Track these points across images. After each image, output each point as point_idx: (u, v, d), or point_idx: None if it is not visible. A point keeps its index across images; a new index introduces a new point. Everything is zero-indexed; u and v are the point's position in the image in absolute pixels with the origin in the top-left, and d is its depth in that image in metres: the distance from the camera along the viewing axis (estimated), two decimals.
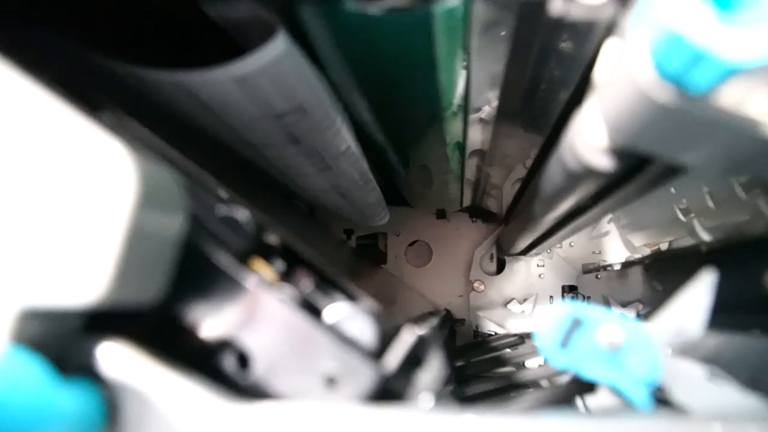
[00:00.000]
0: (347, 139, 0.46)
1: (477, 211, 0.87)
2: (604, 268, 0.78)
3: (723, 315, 0.28)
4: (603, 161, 0.26)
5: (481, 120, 0.61)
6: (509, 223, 0.79)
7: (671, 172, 0.25)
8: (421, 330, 0.24)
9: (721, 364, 0.27)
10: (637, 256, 0.75)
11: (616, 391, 0.23)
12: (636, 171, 0.27)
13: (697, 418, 0.20)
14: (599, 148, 0.26)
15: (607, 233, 0.81)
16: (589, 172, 0.28)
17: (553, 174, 0.33)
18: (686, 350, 0.26)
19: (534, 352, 0.60)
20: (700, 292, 0.25)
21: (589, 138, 0.26)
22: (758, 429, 0.20)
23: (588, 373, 0.23)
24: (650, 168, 0.26)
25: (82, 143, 0.18)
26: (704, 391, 0.25)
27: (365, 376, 0.21)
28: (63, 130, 0.18)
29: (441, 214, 0.88)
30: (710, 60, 0.17)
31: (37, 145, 0.18)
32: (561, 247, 0.84)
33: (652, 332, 0.24)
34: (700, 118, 0.19)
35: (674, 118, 0.19)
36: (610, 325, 0.24)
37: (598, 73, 0.24)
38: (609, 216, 0.79)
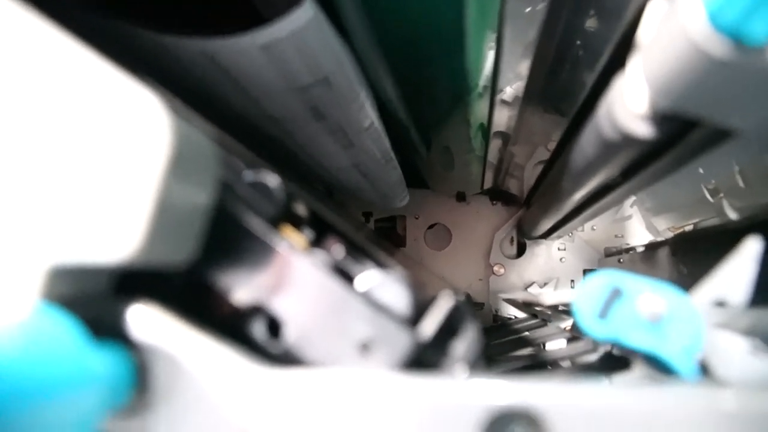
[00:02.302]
0: (371, 116, 0.45)
1: (497, 194, 0.86)
2: (627, 251, 0.77)
3: (757, 293, 0.27)
4: (643, 128, 0.25)
5: (505, 101, 0.61)
6: (531, 205, 0.78)
7: (714, 138, 0.25)
8: (458, 298, 0.23)
9: (761, 337, 0.26)
10: (661, 239, 0.74)
11: (658, 362, 0.23)
12: (676, 139, 0.26)
13: (749, 389, 0.19)
14: (640, 114, 0.25)
15: (630, 217, 0.80)
16: (627, 141, 0.27)
17: (587, 146, 0.33)
18: (728, 323, 0.25)
19: (556, 334, 0.59)
20: (744, 262, 0.24)
21: (630, 104, 0.25)
22: None
23: (631, 342, 0.22)
24: (692, 134, 0.25)
25: (118, 97, 0.18)
26: (746, 364, 0.24)
27: (400, 343, 0.21)
28: (99, 84, 0.18)
29: (461, 197, 0.87)
30: None
31: (73, 97, 0.18)
32: (583, 230, 0.83)
33: (694, 303, 0.23)
34: (756, 72, 0.18)
35: (728, 73, 0.18)
36: (652, 295, 0.23)
37: (643, 33, 0.23)
38: (632, 199, 0.78)
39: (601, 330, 0.23)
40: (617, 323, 0.23)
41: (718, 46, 0.18)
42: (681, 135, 0.26)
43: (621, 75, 0.26)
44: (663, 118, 0.24)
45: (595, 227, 0.83)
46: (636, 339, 0.22)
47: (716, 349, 0.24)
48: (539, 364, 0.54)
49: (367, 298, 0.21)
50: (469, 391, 0.19)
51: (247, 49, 0.32)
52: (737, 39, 0.17)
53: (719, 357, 0.24)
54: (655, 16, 0.22)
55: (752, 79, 0.18)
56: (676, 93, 0.21)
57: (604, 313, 0.23)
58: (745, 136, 0.23)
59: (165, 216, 0.18)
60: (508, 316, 0.84)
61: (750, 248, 0.24)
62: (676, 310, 0.23)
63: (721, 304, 0.24)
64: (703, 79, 0.19)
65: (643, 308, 0.23)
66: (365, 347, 0.21)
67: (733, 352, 0.24)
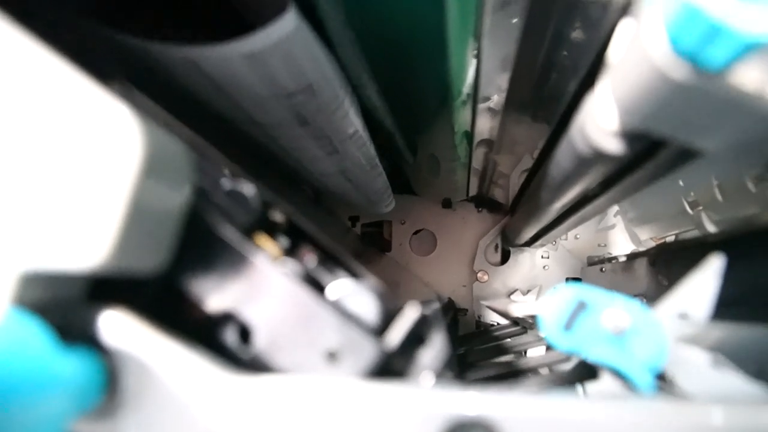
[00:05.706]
0: (356, 123, 0.46)
1: (483, 201, 0.87)
2: (609, 260, 0.78)
3: (730, 307, 0.27)
4: (614, 145, 0.26)
5: (489, 109, 0.61)
6: (515, 213, 0.78)
7: (683, 157, 0.25)
8: (424, 309, 0.24)
9: (726, 353, 0.26)
10: (643, 249, 0.75)
11: (619, 375, 0.23)
12: (647, 156, 0.27)
13: (701, 403, 0.20)
14: (610, 131, 0.25)
15: (613, 226, 0.80)
16: (599, 156, 0.27)
17: (562, 159, 0.33)
18: (691, 338, 0.25)
19: (536, 342, 0.60)
20: (706, 278, 0.25)
21: (601, 121, 0.25)
22: (763, 415, 0.20)
23: (592, 356, 0.23)
24: (661, 152, 0.25)
25: (89, 106, 0.18)
26: (708, 378, 0.24)
27: (367, 351, 0.21)
28: (70, 93, 0.18)
29: (447, 204, 0.88)
30: (727, 34, 0.16)
31: (45, 106, 0.18)
32: (566, 239, 0.84)
33: (658, 317, 0.24)
34: (715, 97, 0.18)
35: (688, 96, 0.19)
36: (616, 309, 0.23)
37: (612, 53, 0.23)
38: (615, 209, 0.79)
39: (566, 342, 0.23)
40: (581, 336, 0.23)
41: (678, 70, 0.18)
42: (651, 152, 0.26)
43: (593, 91, 0.26)
44: (632, 136, 0.25)
45: (578, 236, 0.83)
46: (597, 352, 0.23)
47: (679, 362, 0.24)
48: (519, 371, 0.54)
49: (336, 308, 0.22)
50: (428, 400, 0.19)
51: (231, 58, 0.32)
52: (696, 64, 0.18)
53: (682, 370, 0.24)
54: (624, 36, 0.23)
55: (712, 103, 0.19)
56: (641, 113, 0.21)
57: (569, 326, 0.24)
58: (711, 155, 0.23)
59: (136, 223, 0.19)
60: (491, 323, 0.84)
61: (713, 264, 0.25)
62: (639, 324, 0.23)
63: (684, 317, 0.25)
64: (666, 101, 0.19)
65: (607, 322, 0.23)
66: (332, 355, 0.21)
67: (696, 366, 0.25)
